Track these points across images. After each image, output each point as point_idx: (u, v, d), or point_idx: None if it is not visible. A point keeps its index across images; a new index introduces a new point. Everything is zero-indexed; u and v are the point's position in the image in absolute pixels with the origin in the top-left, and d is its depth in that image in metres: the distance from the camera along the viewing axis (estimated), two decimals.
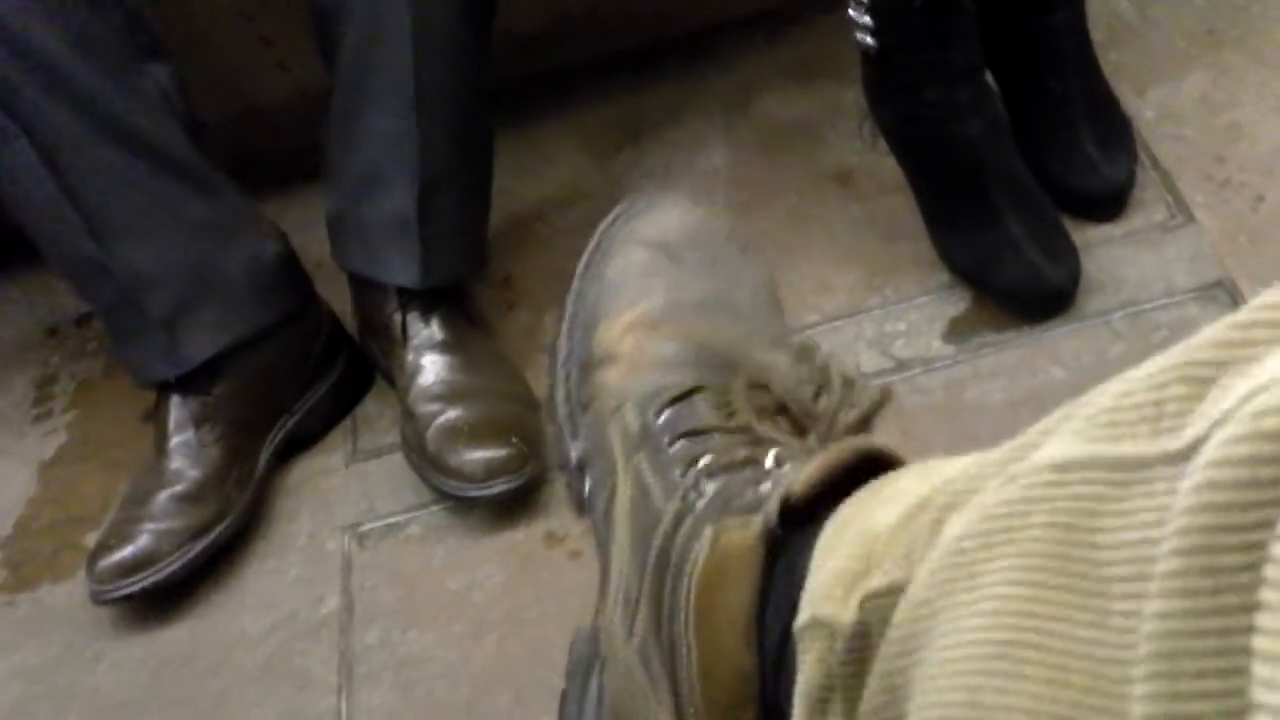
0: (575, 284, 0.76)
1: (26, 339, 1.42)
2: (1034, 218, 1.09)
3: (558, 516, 1.07)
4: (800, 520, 0.56)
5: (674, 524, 0.61)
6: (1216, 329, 0.37)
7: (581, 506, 0.73)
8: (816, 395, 0.66)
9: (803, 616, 0.53)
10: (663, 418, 0.66)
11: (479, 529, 1.08)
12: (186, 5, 1.37)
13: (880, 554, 0.51)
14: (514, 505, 1.08)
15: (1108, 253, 1.11)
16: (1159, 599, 0.34)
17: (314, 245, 1.28)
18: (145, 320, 1.12)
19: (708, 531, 0.59)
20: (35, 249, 1.13)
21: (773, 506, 0.56)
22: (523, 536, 1.07)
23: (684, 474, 0.63)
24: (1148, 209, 1.14)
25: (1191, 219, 1.12)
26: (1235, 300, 1.04)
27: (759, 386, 0.67)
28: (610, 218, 0.77)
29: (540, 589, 1.03)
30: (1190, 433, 0.35)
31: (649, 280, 0.72)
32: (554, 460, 1.10)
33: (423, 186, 1.11)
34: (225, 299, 1.14)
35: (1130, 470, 0.37)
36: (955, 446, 0.98)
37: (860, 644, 0.51)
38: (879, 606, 0.49)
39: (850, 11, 1.04)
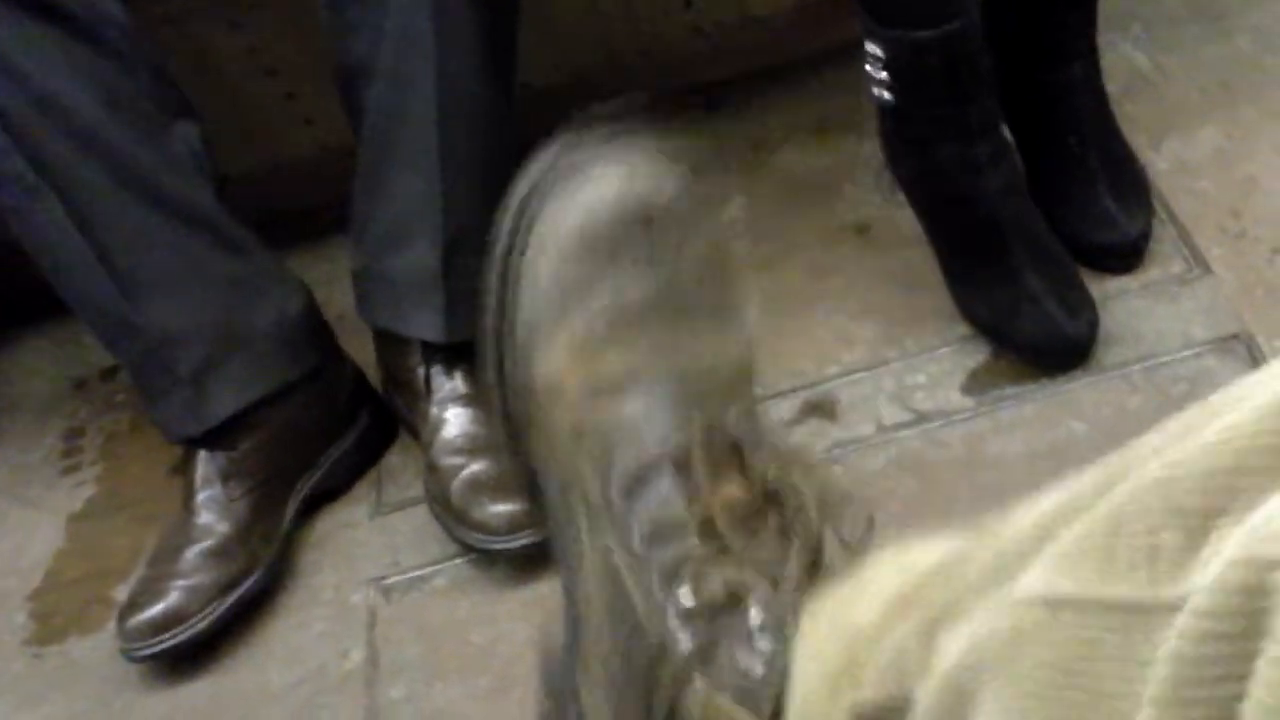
0: (495, 278, 0.69)
1: (54, 392, 1.43)
2: (1051, 271, 1.10)
3: None
4: None
5: (658, 655, 0.60)
6: (1199, 472, 0.37)
7: (534, 501, 0.72)
8: (777, 496, 0.63)
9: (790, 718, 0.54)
10: (626, 501, 0.63)
11: (503, 582, 1.09)
12: (213, 61, 1.39)
13: (863, 657, 0.51)
14: (538, 558, 1.08)
15: (1125, 305, 1.12)
16: None
17: (337, 299, 1.30)
18: (172, 377, 1.13)
19: (698, 696, 0.58)
20: (62, 303, 1.14)
21: (768, 708, 0.56)
22: (547, 590, 1.07)
23: (663, 590, 0.61)
24: (1164, 261, 1.15)
25: (1208, 271, 1.13)
26: (1252, 353, 1.05)
27: (714, 431, 0.64)
28: (530, 181, 0.68)
29: None
30: (1188, 583, 0.36)
31: (586, 287, 0.66)
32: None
33: (447, 242, 1.13)
34: (251, 355, 1.15)
35: (1126, 615, 0.38)
36: (976, 500, 0.99)
37: None
38: None
39: (868, 67, 1.06)
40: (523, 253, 0.67)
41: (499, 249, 0.69)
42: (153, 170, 1.09)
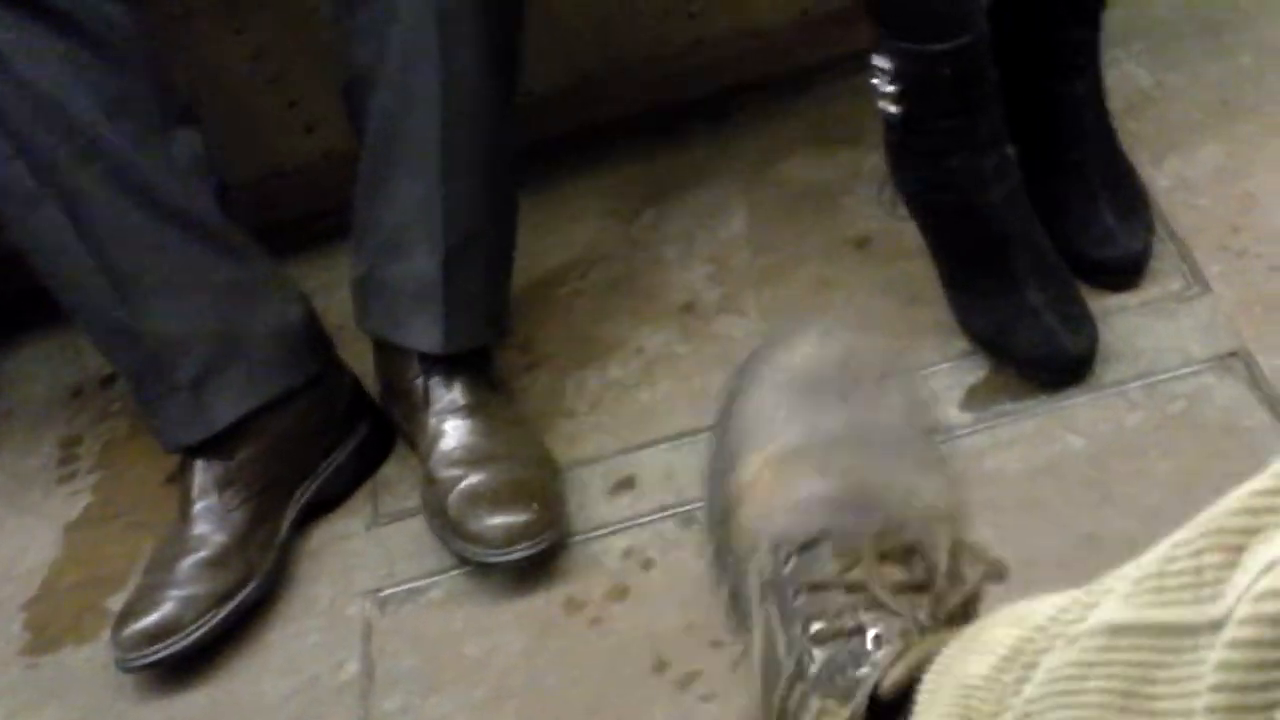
0: (712, 435, 0.77)
1: (52, 399, 1.43)
2: (1053, 286, 1.10)
3: (578, 582, 1.08)
4: (897, 700, 0.59)
5: (788, 687, 0.64)
6: (1246, 494, 0.39)
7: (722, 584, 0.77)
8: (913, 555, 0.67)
9: None
10: (790, 565, 0.68)
11: (500, 594, 1.09)
12: (214, 68, 1.39)
13: (977, 707, 0.53)
14: (534, 570, 1.08)
15: (1124, 322, 1.12)
16: None
17: (336, 308, 1.30)
18: (171, 384, 1.13)
19: (814, 706, 0.62)
20: (60, 310, 1.14)
21: (861, 701, 0.59)
22: (543, 602, 1.07)
23: (803, 631, 0.65)
24: (1164, 278, 1.15)
25: (1208, 289, 1.13)
26: (1251, 371, 1.05)
27: (892, 526, 0.68)
28: (746, 358, 0.78)
29: (560, 655, 1.03)
30: (1225, 603, 0.37)
31: (785, 416, 0.73)
32: (574, 527, 1.11)
33: (447, 252, 1.13)
34: (250, 363, 1.15)
35: (1177, 637, 0.40)
36: (974, 515, 0.98)
37: None
38: None
39: (874, 80, 1.05)
40: (743, 386, 0.77)
41: (731, 382, 0.79)
42: (153, 176, 1.09)
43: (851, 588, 0.65)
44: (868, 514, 0.69)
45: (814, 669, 0.63)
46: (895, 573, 0.66)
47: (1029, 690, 0.48)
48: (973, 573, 0.66)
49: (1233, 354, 1.07)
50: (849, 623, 0.64)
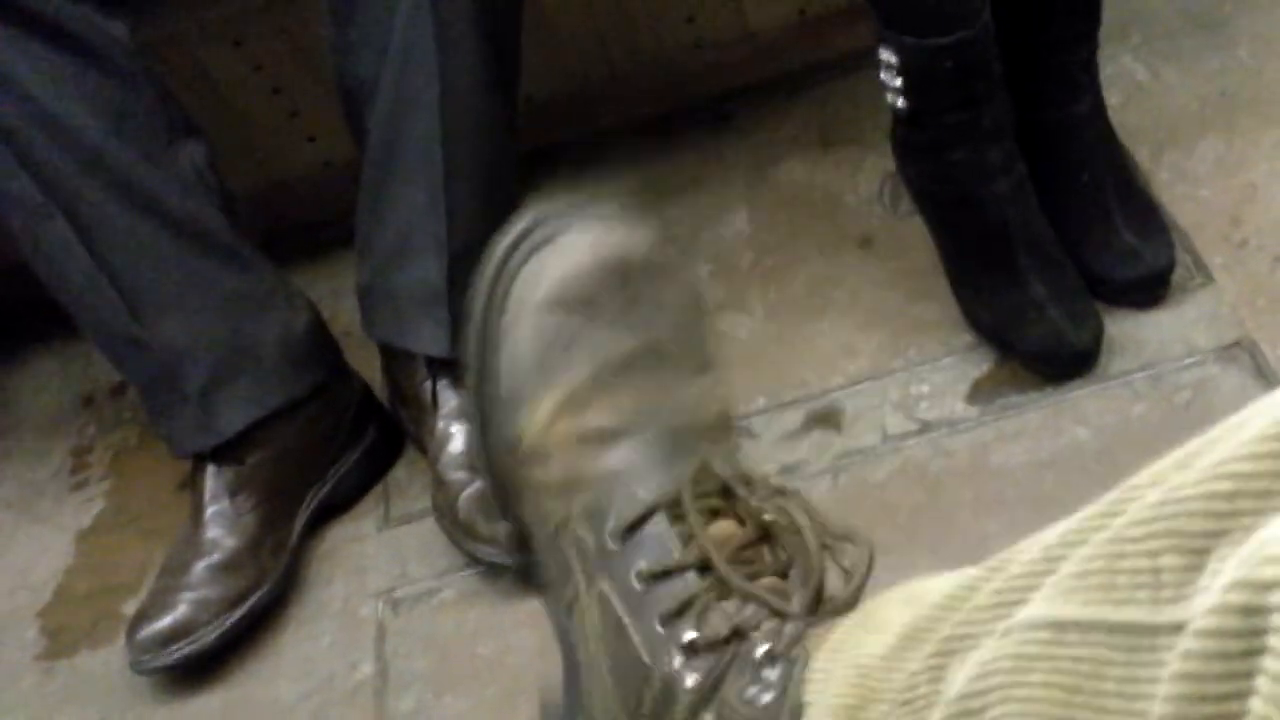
0: (475, 341, 0.69)
1: (63, 409, 1.44)
2: (1057, 279, 1.11)
3: None
4: None
5: (664, 695, 0.60)
6: (1201, 493, 0.38)
7: (526, 578, 0.71)
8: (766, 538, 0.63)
9: None
10: (622, 546, 0.63)
11: (511, 594, 1.09)
12: (216, 80, 1.40)
13: (876, 689, 0.51)
14: None
15: (1128, 313, 1.12)
16: None
17: (343, 314, 1.31)
18: (180, 393, 1.14)
19: None
20: (70, 321, 1.15)
21: None
22: None
23: (664, 628, 0.61)
24: None
25: (1211, 279, 1.13)
26: (1255, 360, 1.06)
27: (702, 474, 0.64)
28: (505, 246, 0.68)
29: None
30: (1190, 605, 0.37)
31: (565, 350, 0.66)
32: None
33: (452, 256, 1.13)
34: (258, 371, 1.16)
35: (1132, 636, 0.39)
36: (980, 509, 0.99)
37: None
38: None
39: (882, 74, 1.06)
40: (502, 314, 0.68)
41: (478, 313, 0.69)
42: (159, 189, 1.10)
43: (701, 569, 0.61)
44: (674, 460, 0.64)
45: (692, 680, 0.59)
46: (728, 528, 0.63)
47: (960, 685, 0.46)
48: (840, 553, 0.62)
49: (1237, 344, 1.08)
50: (720, 627, 0.59)
